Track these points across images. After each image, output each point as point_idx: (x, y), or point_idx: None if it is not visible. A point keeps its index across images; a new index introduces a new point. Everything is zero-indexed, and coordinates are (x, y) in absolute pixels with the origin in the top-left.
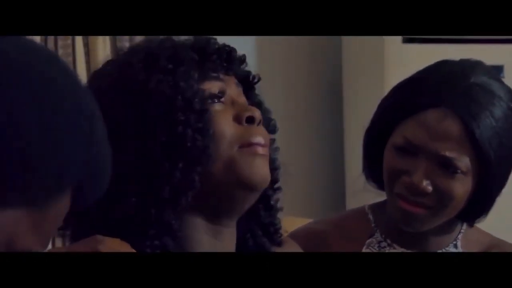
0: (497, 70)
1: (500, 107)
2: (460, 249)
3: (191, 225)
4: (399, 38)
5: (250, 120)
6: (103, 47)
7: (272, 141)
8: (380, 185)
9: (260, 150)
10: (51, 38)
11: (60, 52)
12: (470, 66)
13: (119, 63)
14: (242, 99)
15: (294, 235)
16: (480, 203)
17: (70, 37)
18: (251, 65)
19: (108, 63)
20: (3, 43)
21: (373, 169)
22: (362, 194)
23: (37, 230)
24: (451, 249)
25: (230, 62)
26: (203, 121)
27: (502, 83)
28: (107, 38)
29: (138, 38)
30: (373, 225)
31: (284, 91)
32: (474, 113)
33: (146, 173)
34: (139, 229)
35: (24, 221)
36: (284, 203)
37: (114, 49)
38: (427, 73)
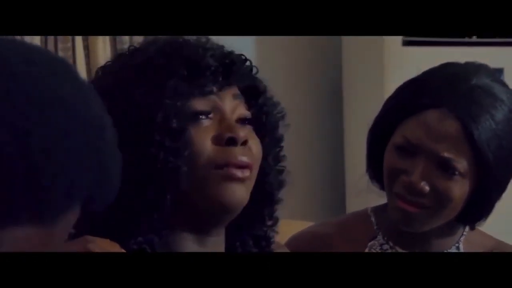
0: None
1: (501, 110)
2: (462, 252)
3: (176, 233)
4: (399, 40)
5: (231, 141)
6: (103, 48)
7: (278, 152)
8: (383, 186)
9: (238, 173)
10: (51, 40)
11: (60, 54)
12: (473, 69)
13: (120, 63)
14: (240, 112)
15: (297, 238)
16: (479, 206)
17: (70, 40)
18: None
19: (110, 62)
20: (10, 51)
21: (376, 169)
22: (363, 195)
23: (47, 245)
24: (454, 251)
25: (229, 75)
26: (179, 141)
27: (505, 86)
28: (107, 38)
29: (138, 38)
30: (375, 227)
31: (284, 91)
32: (474, 115)
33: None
34: (127, 232)
35: (34, 237)
36: (283, 204)
37: (114, 49)
38: (431, 74)
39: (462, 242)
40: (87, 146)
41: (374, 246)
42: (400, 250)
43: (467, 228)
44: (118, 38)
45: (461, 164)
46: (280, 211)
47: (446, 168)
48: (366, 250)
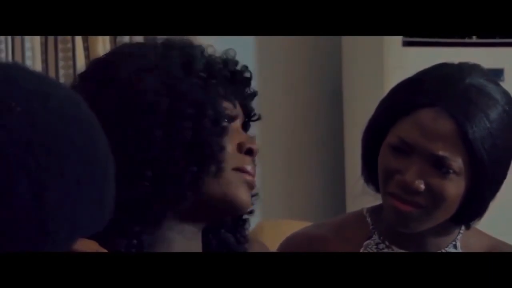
0: (497, 74)
1: (495, 109)
2: (459, 251)
3: (166, 224)
4: (399, 41)
5: (250, 152)
6: (103, 48)
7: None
8: (378, 188)
9: (250, 178)
10: (51, 40)
11: (60, 55)
12: (467, 68)
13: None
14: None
15: (292, 239)
16: (473, 206)
17: (70, 40)
18: (251, 65)
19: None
20: (29, 94)
21: (371, 171)
22: (362, 198)
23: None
24: (450, 251)
25: (246, 96)
26: (222, 136)
27: (499, 85)
28: (107, 38)
29: (138, 38)
30: (371, 227)
31: (284, 92)
32: (468, 114)
33: (158, 171)
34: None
35: None
36: (283, 204)
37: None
38: (425, 74)
39: (459, 240)
40: (92, 191)
41: (370, 245)
42: (396, 249)
43: (463, 227)
44: (118, 38)
45: (456, 163)
46: (280, 211)
47: (441, 167)
48: (362, 250)
